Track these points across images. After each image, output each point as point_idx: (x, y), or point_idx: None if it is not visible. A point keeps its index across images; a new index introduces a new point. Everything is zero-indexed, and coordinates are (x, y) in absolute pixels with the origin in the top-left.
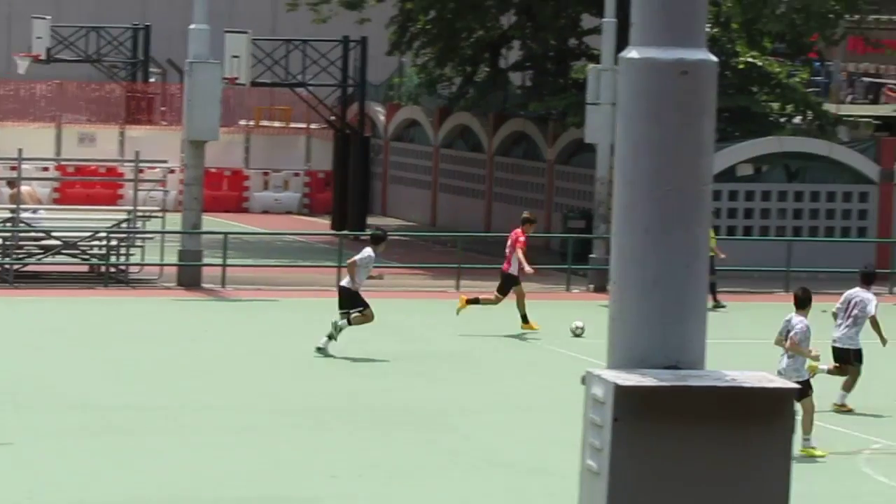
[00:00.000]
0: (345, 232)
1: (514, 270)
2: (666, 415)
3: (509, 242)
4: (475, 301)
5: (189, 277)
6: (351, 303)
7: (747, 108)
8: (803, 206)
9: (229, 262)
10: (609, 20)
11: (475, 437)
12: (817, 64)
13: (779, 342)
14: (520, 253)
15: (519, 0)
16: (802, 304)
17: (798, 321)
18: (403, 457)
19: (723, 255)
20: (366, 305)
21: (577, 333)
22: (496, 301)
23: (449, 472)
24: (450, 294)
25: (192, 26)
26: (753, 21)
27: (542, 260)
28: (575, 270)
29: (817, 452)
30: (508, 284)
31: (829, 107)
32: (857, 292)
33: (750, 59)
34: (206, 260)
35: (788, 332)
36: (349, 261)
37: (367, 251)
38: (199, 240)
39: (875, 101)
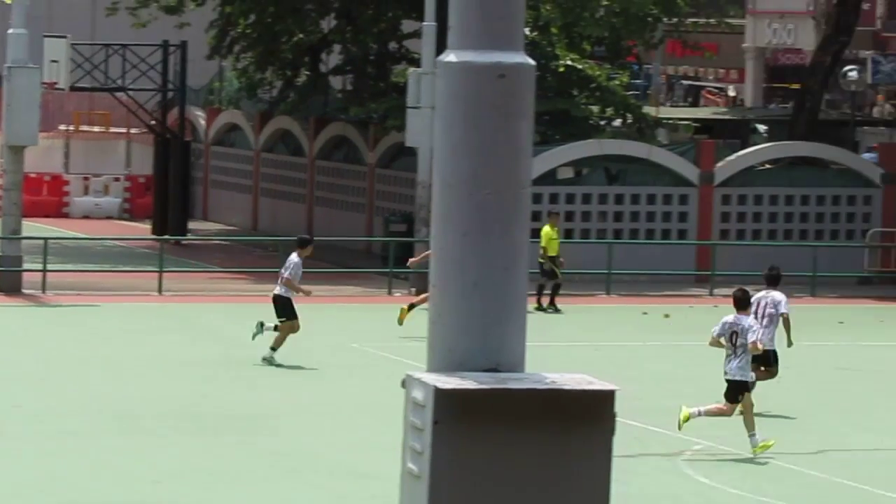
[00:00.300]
0: (165, 237)
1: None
2: (486, 418)
3: None
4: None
5: (9, 283)
6: (284, 311)
7: (567, 111)
8: (624, 208)
9: (50, 267)
10: (429, 24)
11: (297, 441)
12: (637, 67)
13: (715, 343)
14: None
15: (339, 4)
16: (744, 304)
17: (752, 323)
18: (226, 461)
19: (561, 260)
20: (294, 316)
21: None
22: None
23: (271, 477)
24: (270, 298)
25: (10, 31)
26: (573, 25)
27: (363, 264)
28: (396, 274)
29: (770, 443)
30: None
31: (649, 110)
32: (766, 294)
33: (569, 63)
34: (26, 265)
35: (735, 333)
36: (285, 277)
37: (294, 258)
38: (19, 245)
39: (694, 104)
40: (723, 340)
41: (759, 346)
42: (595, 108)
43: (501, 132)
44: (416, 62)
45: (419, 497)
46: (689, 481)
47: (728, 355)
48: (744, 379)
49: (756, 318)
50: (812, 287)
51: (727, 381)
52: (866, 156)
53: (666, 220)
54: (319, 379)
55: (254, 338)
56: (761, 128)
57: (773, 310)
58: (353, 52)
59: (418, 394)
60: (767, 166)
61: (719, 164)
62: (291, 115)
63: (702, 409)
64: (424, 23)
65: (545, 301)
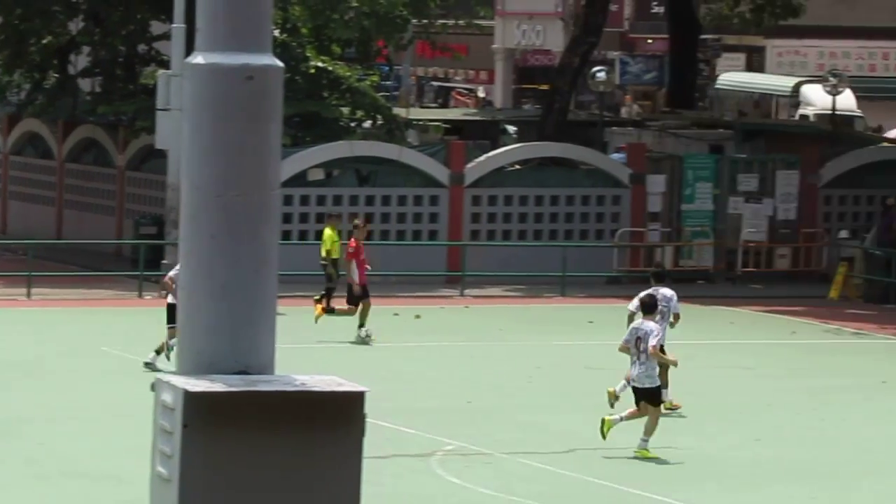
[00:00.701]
0: None
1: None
2: (236, 420)
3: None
4: (331, 311)
5: None
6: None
7: (318, 113)
8: (375, 209)
9: None
10: (178, 26)
11: (49, 446)
12: (388, 69)
13: (624, 349)
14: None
15: (87, 6)
16: (650, 309)
17: (654, 327)
18: None
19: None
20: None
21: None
22: (349, 313)
23: (23, 482)
24: (20, 302)
25: None
26: (323, 27)
27: (113, 267)
28: (147, 277)
29: (650, 455)
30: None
31: (399, 111)
32: (656, 290)
33: (320, 65)
34: None
35: (639, 339)
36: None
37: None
38: None
39: (444, 105)
40: (630, 347)
41: (656, 351)
42: (345, 110)
43: (250, 134)
44: (165, 64)
45: (169, 500)
46: (440, 481)
47: (633, 361)
48: (650, 385)
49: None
50: (562, 287)
51: (633, 388)
52: (615, 156)
53: (417, 221)
54: (70, 383)
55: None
56: (511, 129)
57: (664, 306)
58: (101, 54)
59: (167, 397)
60: (517, 167)
61: (469, 165)
62: (40, 117)
63: (622, 414)
64: (173, 25)
65: (334, 304)
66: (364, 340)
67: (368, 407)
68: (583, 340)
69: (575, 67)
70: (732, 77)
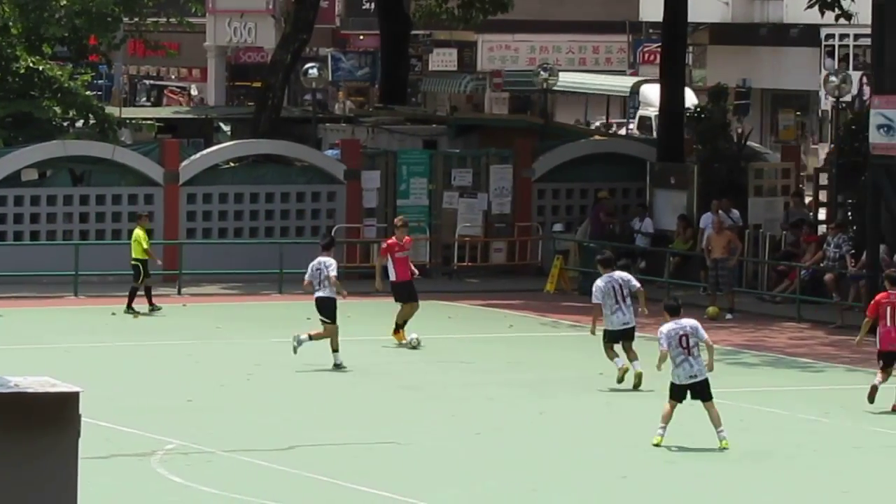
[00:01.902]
0: None
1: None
2: None
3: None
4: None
5: None
6: (327, 312)
7: (30, 113)
8: (90, 209)
9: None
10: None
11: None
12: (104, 67)
13: (665, 356)
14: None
15: None
16: (677, 311)
17: (695, 322)
18: None
19: (159, 262)
20: (335, 319)
21: (415, 345)
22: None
23: None
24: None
25: None
26: (34, 26)
27: None
28: None
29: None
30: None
31: (112, 110)
32: (618, 275)
33: (31, 65)
34: None
35: (684, 336)
36: (331, 277)
37: (328, 259)
38: None
39: (157, 104)
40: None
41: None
42: (58, 110)
43: None
44: None
45: None
46: (162, 481)
47: (682, 361)
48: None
49: (616, 299)
50: (280, 284)
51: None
52: (329, 152)
53: (132, 220)
54: None
55: (295, 351)
56: (225, 126)
57: (629, 289)
58: None
59: None
60: (232, 165)
61: (184, 163)
62: None
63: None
64: None
65: (151, 302)
66: (414, 345)
67: (86, 407)
68: None
69: (287, 64)
70: (570, 78)
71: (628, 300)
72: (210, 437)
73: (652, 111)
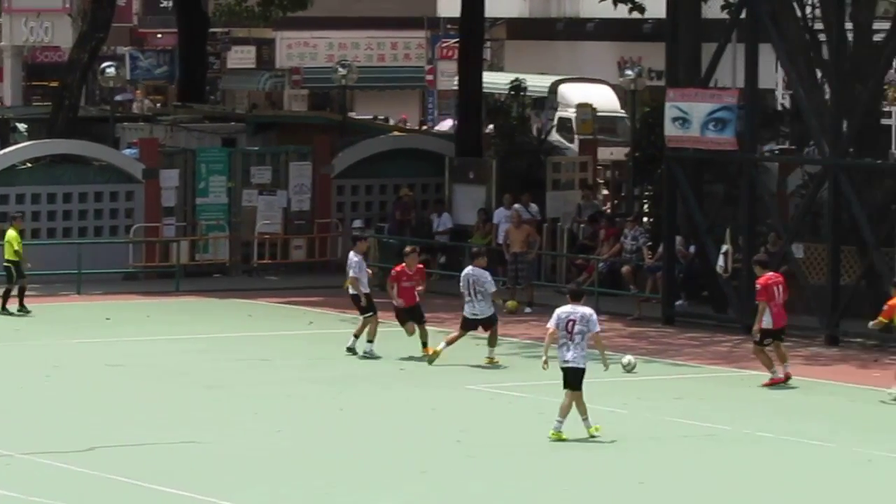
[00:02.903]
0: None
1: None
2: None
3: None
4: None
5: None
6: (363, 307)
7: None
8: None
9: None
10: None
11: None
12: None
13: (552, 336)
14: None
15: None
16: (578, 296)
17: (591, 311)
18: None
19: (29, 264)
20: (374, 311)
21: (629, 369)
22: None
23: None
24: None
25: None
26: None
27: None
28: None
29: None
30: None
31: None
32: (471, 271)
33: None
34: None
35: (572, 322)
36: (350, 276)
37: (351, 256)
38: None
39: None
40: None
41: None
42: None
43: None
44: None
45: None
46: None
47: (562, 344)
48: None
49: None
50: (78, 285)
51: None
52: (127, 151)
53: None
54: None
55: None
56: (22, 126)
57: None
58: None
59: None
60: (29, 165)
61: None
62: None
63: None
64: None
65: (14, 303)
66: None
67: None
68: (102, 338)
69: (84, 63)
70: (487, 78)
71: (479, 295)
72: (8, 440)
73: (571, 112)
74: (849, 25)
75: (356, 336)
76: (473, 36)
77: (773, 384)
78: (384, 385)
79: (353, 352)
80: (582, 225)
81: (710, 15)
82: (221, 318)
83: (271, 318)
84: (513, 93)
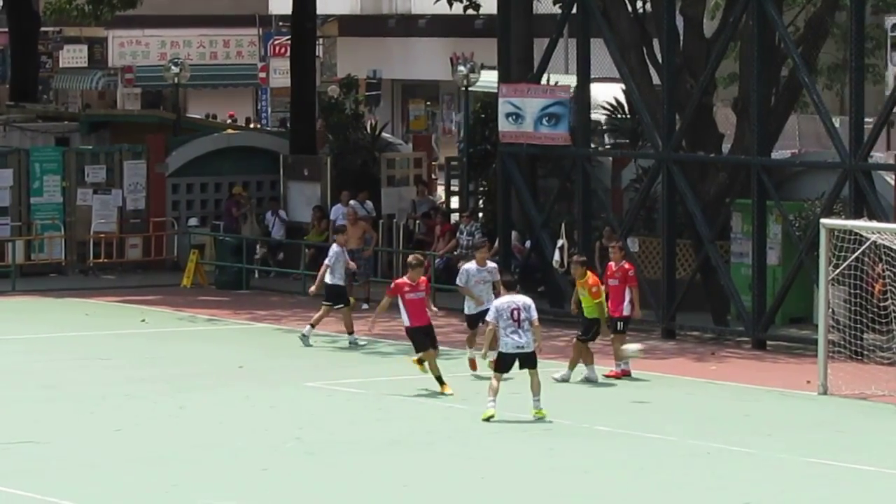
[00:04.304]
0: None
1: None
2: None
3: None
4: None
5: None
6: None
7: None
8: None
9: None
10: None
11: None
12: None
13: (492, 330)
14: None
15: None
16: (513, 286)
17: (530, 301)
18: None
19: None
20: (347, 303)
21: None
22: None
23: None
24: None
25: None
26: None
27: None
28: None
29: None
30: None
31: None
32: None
33: None
34: None
35: (515, 310)
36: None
37: (333, 248)
38: None
39: None
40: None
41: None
42: None
43: None
44: None
45: None
46: None
47: (512, 332)
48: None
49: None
50: None
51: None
52: None
53: None
54: None
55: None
56: None
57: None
58: None
59: None
60: None
61: None
62: None
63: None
64: None
65: None
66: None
67: None
68: None
69: None
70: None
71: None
72: None
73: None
74: (680, 20)
75: (351, 334)
76: (305, 33)
77: (617, 376)
78: (223, 383)
79: (355, 345)
80: (417, 221)
81: (542, 10)
82: (58, 318)
83: (108, 317)
84: (345, 90)
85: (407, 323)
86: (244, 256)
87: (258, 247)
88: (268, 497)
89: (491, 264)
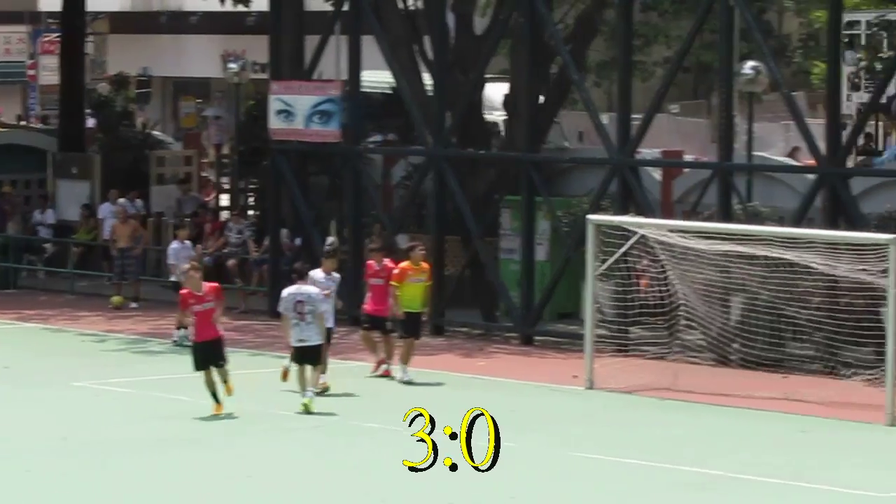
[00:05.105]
0: None
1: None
2: None
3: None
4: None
5: None
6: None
7: None
8: None
9: None
10: None
11: None
12: None
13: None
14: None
15: None
16: (304, 275)
17: (316, 291)
18: None
19: None
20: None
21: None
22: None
23: None
24: None
25: None
26: None
27: None
28: None
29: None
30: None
31: None
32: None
33: None
34: None
35: (300, 303)
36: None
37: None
38: None
39: None
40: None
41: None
42: None
43: None
44: None
45: None
46: None
47: (295, 324)
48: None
49: None
50: None
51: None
52: None
53: None
54: None
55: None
56: None
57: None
58: None
59: None
60: None
61: None
62: None
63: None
64: None
65: None
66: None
67: None
68: None
69: None
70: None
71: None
72: None
73: None
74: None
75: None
76: (75, 30)
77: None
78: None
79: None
80: (186, 220)
81: (313, 7)
82: None
83: None
84: (116, 87)
85: (192, 337)
86: (10, 255)
87: (49, 246)
88: (31, 499)
89: (336, 274)
